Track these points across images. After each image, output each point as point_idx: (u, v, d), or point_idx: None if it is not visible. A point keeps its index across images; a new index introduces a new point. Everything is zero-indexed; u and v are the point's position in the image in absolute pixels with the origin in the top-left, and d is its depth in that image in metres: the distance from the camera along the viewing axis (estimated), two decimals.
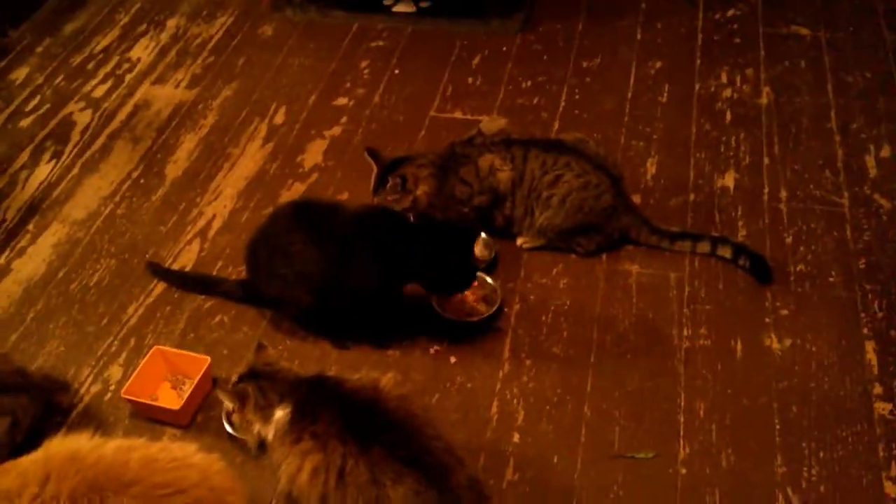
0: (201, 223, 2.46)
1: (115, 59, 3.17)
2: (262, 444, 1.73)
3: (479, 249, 2.27)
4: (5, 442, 1.79)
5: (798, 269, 2.21)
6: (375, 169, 2.25)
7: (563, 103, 2.82)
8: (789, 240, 2.29)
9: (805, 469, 1.79)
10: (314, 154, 2.68)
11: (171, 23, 3.34)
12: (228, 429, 1.87)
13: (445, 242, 2.04)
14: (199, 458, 1.51)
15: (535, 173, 2.21)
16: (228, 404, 1.70)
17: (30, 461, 1.47)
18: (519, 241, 2.32)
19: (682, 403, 1.92)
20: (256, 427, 1.68)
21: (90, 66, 3.14)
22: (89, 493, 1.39)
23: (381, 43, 3.15)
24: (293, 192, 2.54)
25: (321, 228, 1.99)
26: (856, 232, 2.30)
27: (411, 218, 2.30)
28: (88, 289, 2.29)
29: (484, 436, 1.89)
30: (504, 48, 3.08)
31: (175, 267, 2.32)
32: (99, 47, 3.24)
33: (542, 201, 2.22)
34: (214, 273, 2.30)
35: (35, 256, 2.40)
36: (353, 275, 1.98)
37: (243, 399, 1.68)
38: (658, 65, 2.96)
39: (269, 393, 1.67)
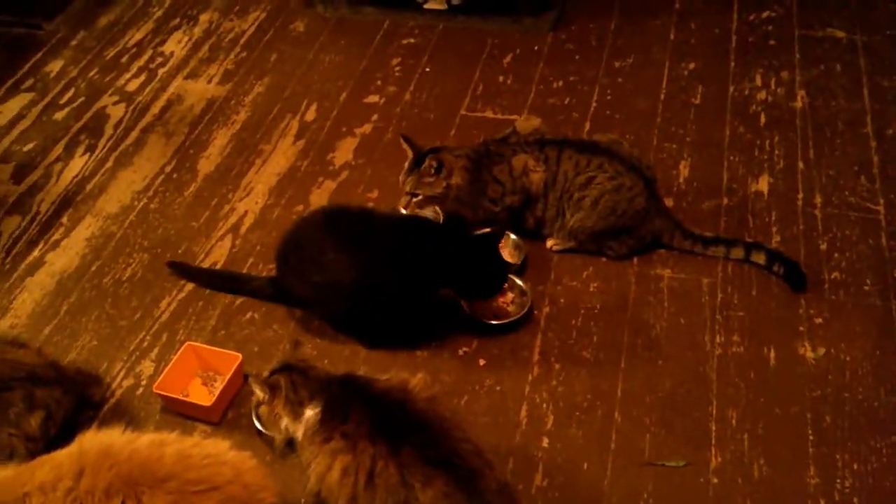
0: (233, 219, 2.47)
1: (149, 52, 3.19)
2: (289, 443, 1.74)
3: (507, 252, 2.27)
4: (39, 435, 1.81)
5: (833, 276, 2.18)
6: (410, 154, 2.24)
7: (594, 104, 2.80)
8: (824, 247, 2.26)
9: (838, 480, 1.77)
10: (345, 151, 2.68)
11: (204, 17, 3.36)
12: (258, 425, 1.88)
13: (475, 249, 2.04)
14: (233, 455, 1.52)
15: (568, 174, 2.20)
16: (259, 394, 1.70)
17: (64, 454, 1.49)
18: (549, 244, 2.31)
19: (714, 411, 1.90)
20: (284, 422, 1.68)
21: (124, 59, 3.16)
22: (124, 489, 1.40)
23: (412, 40, 3.15)
24: (324, 189, 2.55)
25: (354, 236, 2.00)
26: (892, 240, 2.27)
27: (438, 211, 2.31)
28: (121, 283, 2.31)
29: (513, 440, 1.89)
30: (536, 47, 3.07)
31: (207, 263, 2.34)
32: (132, 41, 3.26)
33: (574, 203, 2.20)
34: (246, 269, 2.31)
35: (69, 249, 2.42)
36: (389, 282, 1.98)
37: (275, 391, 1.68)
38: (692, 66, 2.93)
39: (300, 389, 1.67)
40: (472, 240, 2.09)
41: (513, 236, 2.31)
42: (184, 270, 2.29)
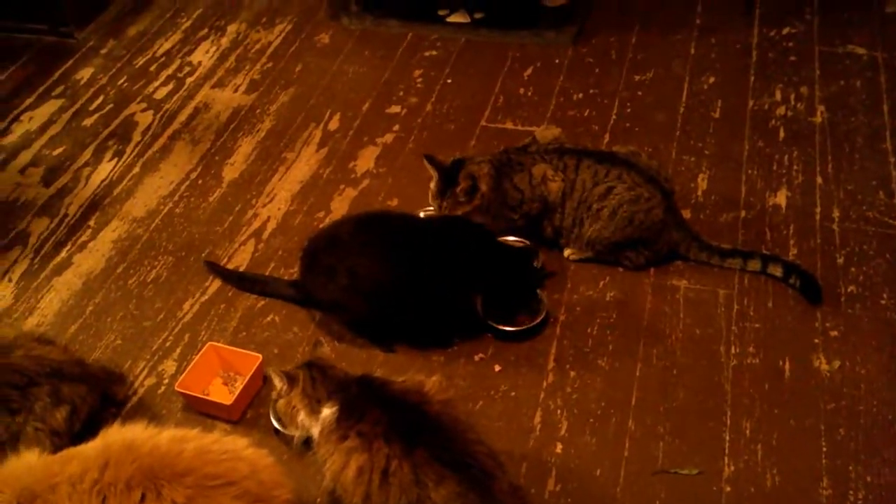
0: (256, 224, 2.52)
1: (177, 62, 3.25)
2: (305, 442, 1.77)
3: None
4: (64, 430, 1.85)
5: (849, 290, 2.19)
6: (436, 175, 2.27)
7: (614, 116, 2.82)
8: (841, 260, 2.26)
9: (851, 492, 1.77)
10: (366, 160, 2.73)
11: (232, 28, 3.43)
12: (275, 424, 1.91)
13: (512, 261, 2.11)
14: (250, 452, 1.55)
15: (586, 184, 2.22)
16: (277, 384, 1.73)
17: (90, 448, 1.53)
18: (566, 253, 2.33)
19: (728, 421, 1.91)
20: (301, 416, 1.71)
21: (152, 68, 3.23)
22: (145, 482, 1.44)
23: (434, 52, 3.20)
24: (345, 196, 2.59)
25: (391, 242, 2.04)
26: None
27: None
28: (146, 284, 2.35)
29: (526, 445, 1.90)
30: (556, 60, 3.10)
31: (229, 267, 2.38)
32: (161, 50, 3.33)
33: (592, 213, 2.22)
34: (267, 273, 2.35)
35: (95, 251, 2.47)
36: (422, 287, 2.03)
37: (293, 381, 1.72)
38: (711, 80, 2.95)
39: (319, 386, 1.70)
40: (509, 251, 2.14)
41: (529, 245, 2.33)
42: (216, 270, 2.35)
